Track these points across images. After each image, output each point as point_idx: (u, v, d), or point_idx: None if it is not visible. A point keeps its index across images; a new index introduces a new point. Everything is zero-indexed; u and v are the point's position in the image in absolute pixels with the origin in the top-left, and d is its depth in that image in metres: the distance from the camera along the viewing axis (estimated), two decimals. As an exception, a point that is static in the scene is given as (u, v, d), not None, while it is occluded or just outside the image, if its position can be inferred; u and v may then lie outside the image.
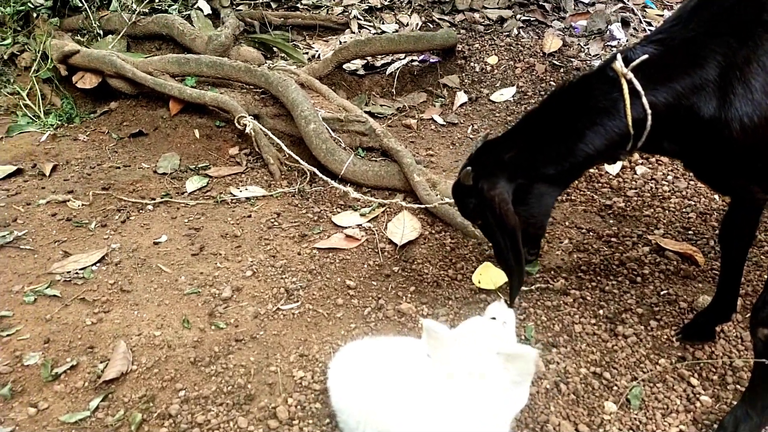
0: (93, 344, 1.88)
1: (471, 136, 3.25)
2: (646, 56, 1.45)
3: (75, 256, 2.30)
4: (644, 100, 1.45)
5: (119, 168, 2.98)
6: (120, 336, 1.91)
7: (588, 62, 3.64)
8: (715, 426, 1.59)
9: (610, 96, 1.48)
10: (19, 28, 3.80)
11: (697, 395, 1.69)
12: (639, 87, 1.44)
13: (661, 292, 2.07)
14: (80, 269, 2.22)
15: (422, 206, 2.55)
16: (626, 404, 1.66)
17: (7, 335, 1.90)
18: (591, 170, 2.83)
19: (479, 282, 2.16)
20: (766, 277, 2.12)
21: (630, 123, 1.48)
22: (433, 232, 2.47)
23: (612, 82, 1.48)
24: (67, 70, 3.50)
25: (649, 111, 1.46)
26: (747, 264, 2.18)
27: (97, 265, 2.26)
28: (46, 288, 2.11)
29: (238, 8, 4.05)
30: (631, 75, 1.45)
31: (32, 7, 3.76)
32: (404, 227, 2.48)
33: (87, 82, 3.45)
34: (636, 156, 2.90)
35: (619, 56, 1.49)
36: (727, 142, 1.38)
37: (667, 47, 1.47)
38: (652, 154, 2.63)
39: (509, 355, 1.46)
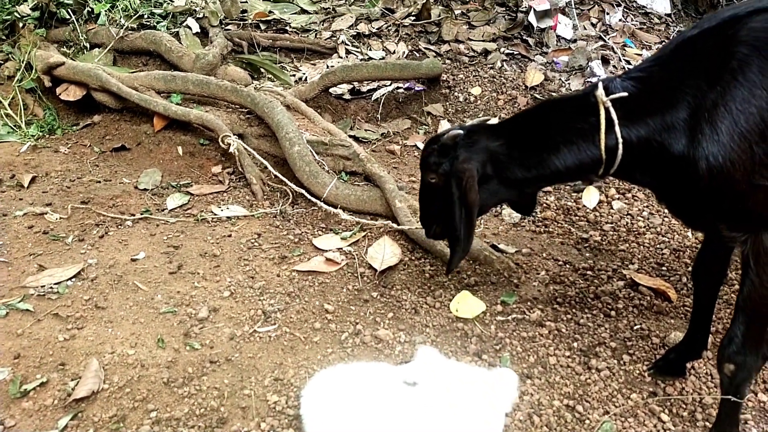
0: (64, 361, 1.85)
1: (453, 164, 3.30)
2: (624, 93, 1.54)
3: (50, 270, 2.26)
4: (617, 130, 1.55)
5: (99, 182, 2.95)
6: (92, 353, 1.88)
7: (569, 97, 3.74)
8: (684, 462, 1.61)
9: (589, 120, 1.59)
10: (3, 37, 3.78)
11: (667, 431, 1.72)
12: (615, 117, 1.54)
13: (635, 327, 2.11)
14: (55, 284, 2.19)
15: (407, 228, 2.58)
16: (599, 438, 1.68)
17: (-25, 349, 1.86)
18: (569, 203, 2.89)
19: (457, 311, 2.17)
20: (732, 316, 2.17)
21: (603, 149, 1.58)
22: (413, 258, 2.49)
23: (592, 107, 1.58)
24: (51, 82, 3.48)
25: (620, 141, 1.55)
26: (718, 302, 2.24)
27: (73, 280, 2.23)
28: (19, 302, 2.08)
29: (227, 28, 4.08)
30: (609, 104, 1.55)
31: (19, 17, 3.75)
32: (384, 252, 2.49)
33: (71, 94, 3.44)
34: (612, 191, 2.97)
35: (600, 85, 1.58)
36: (695, 180, 1.46)
37: (644, 85, 1.56)
38: (626, 182, 2.73)
39: (492, 380, 1.50)
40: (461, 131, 1.83)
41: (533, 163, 1.71)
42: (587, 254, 2.55)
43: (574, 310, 2.19)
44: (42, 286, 2.17)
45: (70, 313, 2.05)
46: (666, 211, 2.83)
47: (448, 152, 1.83)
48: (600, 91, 1.56)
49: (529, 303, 2.22)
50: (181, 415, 1.68)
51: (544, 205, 2.89)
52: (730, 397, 1.50)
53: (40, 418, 1.65)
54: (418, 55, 4.10)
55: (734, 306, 1.54)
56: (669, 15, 4.74)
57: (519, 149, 1.75)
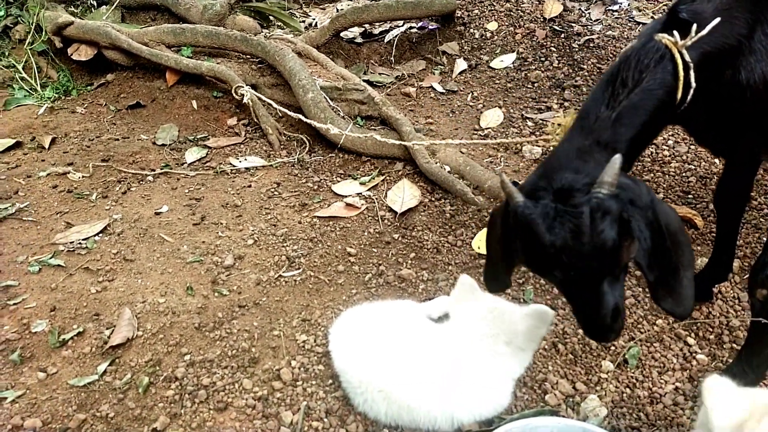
0: (98, 311, 1.91)
1: (470, 103, 3.24)
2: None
3: (77, 227, 2.31)
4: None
5: (118, 140, 2.97)
6: (125, 303, 1.93)
7: (589, 27, 3.60)
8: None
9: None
10: (11, 0, 3.75)
11: (694, 354, 1.72)
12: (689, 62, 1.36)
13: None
14: (83, 239, 2.24)
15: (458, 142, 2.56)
16: (623, 363, 1.69)
17: (14, 304, 1.93)
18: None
19: (479, 247, 2.17)
20: (765, 239, 2.14)
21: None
22: (433, 199, 2.48)
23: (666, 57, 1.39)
24: (62, 42, 3.46)
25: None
26: (746, 226, 2.20)
27: (100, 235, 2.28)
28: (50, 258, 2.13)
29: (233, -24, 3.98)
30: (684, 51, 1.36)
31: (24, -22, 3.70)
32: (404, 195, 2.49)
33: (82, 54, 3.42)
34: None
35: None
36: (739, 99, 1.39)
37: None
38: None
39: (527, 314, 1.51)
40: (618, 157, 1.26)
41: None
42: (610, 186, 2.50)
43: (597, 242, 2.16)
44: (71, 242, 2.22)
45: (100, 266, 2.11)
46: (693, 138, 2.75)
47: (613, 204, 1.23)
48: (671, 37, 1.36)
49: (551, 237, 2.20)
50: (214, 357, 1.73)
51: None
52: (761, 319, 1.48)
53: (80, 364, 1.72)
54: None
55: (767, 229, 1.50)
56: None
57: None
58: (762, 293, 1.48)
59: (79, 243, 2.22)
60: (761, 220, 2.24)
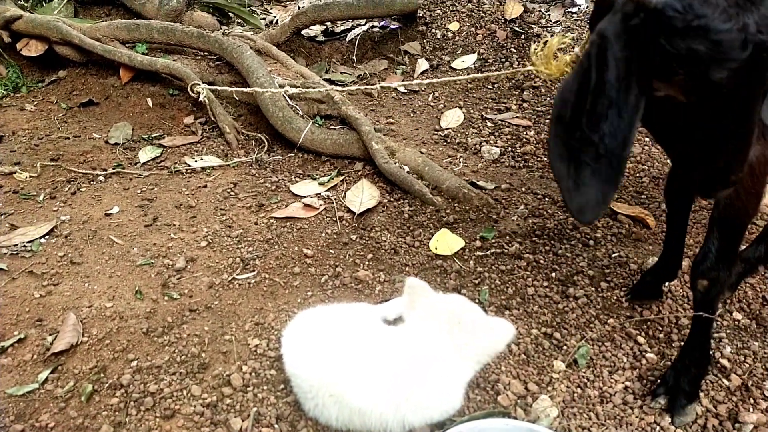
0: (42, 317, 1.84)
1: (431, 103, 3.24)
2: None
3: (22, 229, 2.22)
4: None
5: (69, 138, 2.87)
6: (70, 308, 1.87)
7: (548, 29, 3.64)
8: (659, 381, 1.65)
9: None
10: (-43, -8, 3.59)
11: (644, 353, 1.75)
12: None
13: (613, 255, 2.12)
14: (28, 242, 2.16)
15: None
16: (574, 363, 1.71)
17: (-50, 310, 1.85)
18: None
19: (436, 248, 2.17)
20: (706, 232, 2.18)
21: None
22: (392, 200, 2.46)
23: None
24: (11, 37, 3.33)
25: None
26: (696, 226, 2.25)
27: (46, 237, 2.20)
28: (-8, 262, 2.05)
29: (192, -28, 3.90)
30: None
31: (-30, -31, 3.55)
32: (363, 195, 2.47)
33: (32, 49, 3.30)
34: (593, 122, 2.93)
35: None
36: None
37: None
38: None
39: (486, 327, 1.49)
40: None
41: None
42: (567, 187, 2.53)
43: (552, 242, 2.19)
44: (15, 245, 2.13)
45: (45, 270, 2.03)
46: (647, 139, 2.80)
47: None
48: None
49: (507, 237, 2.22)
50: (162, 362, 1.69)
51: (524, 140, 2.85)
52: (702, 313, 1.52)
53: (20, 372, 1.65)
54: None
55: (708, 221, 1.52)
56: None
57: None
58: (703, 284, 1.51)
59: (24, 246, 2.14)
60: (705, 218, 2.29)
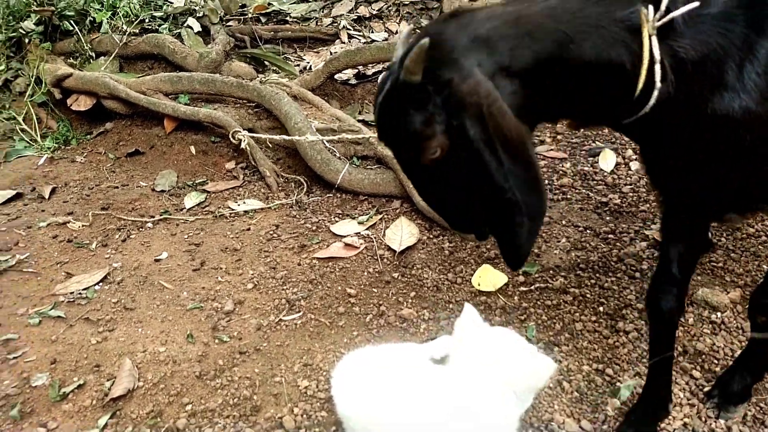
0: (99, 363, 1.89)
1: (465, 140, 3.28)
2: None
3: (77, 277, 2.31)
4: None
5: (117, 187, 3.00)
6: (125, 353, 1.92)
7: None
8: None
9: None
10: (12, 54, 3.83)
11: (701, 387, 1.70)
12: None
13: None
14: (83, 289, 2.24)
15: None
16: (630, 399, 1.67)
17: (14, 358, 1.92)
18: (586, 168, 2.85)
19: (479, 285, 2.17)
20: (766, 267, 2.14)
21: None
22: (431, 236, 2.49)
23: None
24: (62, 93, 3.53)
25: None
26: (745, 254, 2.20)
27: (100, 284, 2.28)
28: (50, 309, 2.13)
29: (228, 24, 4.09)
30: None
31: (24, 33, 3.79)
32: (402, 233, 2.50)
33: (81, 104, 3.48)
34: (629, 152, 2.92)
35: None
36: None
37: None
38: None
39: (530, 363, 1.48)
40: (425, 40, 1.08)
41: None
42: (608, 218, 2.52)
43: (597, 275, 2.17)
44: (71, 293, 2.22)
45: (100, 316, 2.10)
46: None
47: (424, 91, 1.10)
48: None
49: (551, 271, 2.21)
50: (216, 406, 1.71)
51: (561, 172, 2.86)
52: (757, 335, 1.49)
53: (81, 418, 1.70)
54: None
55: None
56: None
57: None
58: (762, 319, 1.48)
59: (79, 293, 2.22)
60: (759, 247, 2.25)
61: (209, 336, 1.99)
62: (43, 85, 3.58)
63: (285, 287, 2.22)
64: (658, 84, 1.14)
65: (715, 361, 1.79)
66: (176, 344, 1.96)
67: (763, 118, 1.15)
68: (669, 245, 1.45)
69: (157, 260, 2.41)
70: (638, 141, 1.44)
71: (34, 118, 3.54)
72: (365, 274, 2.29)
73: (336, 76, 3.76)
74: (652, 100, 1.15)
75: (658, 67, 1.13)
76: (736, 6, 1.13)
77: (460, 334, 1.59)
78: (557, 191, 2.73)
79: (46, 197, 2.92)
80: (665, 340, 1.50)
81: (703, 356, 1.80)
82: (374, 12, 4.25)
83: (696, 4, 1.10)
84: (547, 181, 2.80)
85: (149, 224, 2.68)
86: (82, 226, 2.67)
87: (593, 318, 1.97)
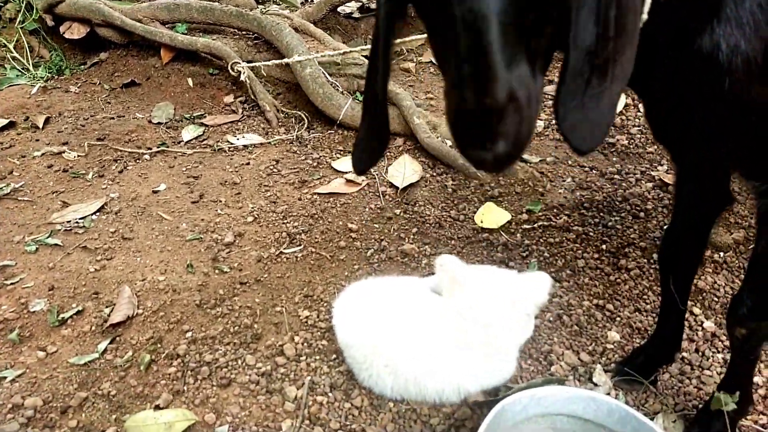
0: (97, 290, 1.88)
1: (470, 78, 3.19)
2: None
3: (74, 206, 2.28)
4: None
5: (113, 119, 2.92)
6: (124, 282, 1.91)
7: None
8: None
9: None
10: (0, -22, 3.67)
11: (700, 323, 1.71)
12: None
13: (664, 227, 2.07)
14: (80, 218, 2.21)
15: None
16: (629, 334, 1.67)
17: (11, 284, 1.91)
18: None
19: (482, 222, 2.15)
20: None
21: None
22: (435, 174, 2.44)
23: None
24: (54, 21, 3.40)
25: None
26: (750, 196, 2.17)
27: (97, 214, 2.25)
28: (47, 237, 2.10)
29: (226, -49, 3.90)
30: None
31: (13, -46, 3.62)
32: (405, 170, 2.45)
33: (75, 32, 3.36)
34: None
35: None
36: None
37: None
38: None
39: (525, 283, 1.48)
40: None
41: None
42: (614, 159, 2.47)
43: (601, 214, 2.15)
44: (68, 222, 2.19)
45: (98, 245, 2.08)
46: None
47: None
48: None
49: (555, 210, 2.18)
50: (216, 333, 1.71)
51: (567, 112, 2.79)
52: (742, 357, 1.31)
53: (80, 343, 1.70)
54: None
55: (747, 265, 1.29)
56: None
57: None
58: (741, 332, 1.28)
59: (76, 222, 2.19)
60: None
61: (209, 266, 1.98)
62: (35, 11, 3.45)
63: (285, 221, 2.19)
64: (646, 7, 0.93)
65: (715, 299, 1.79)
66: (176, 273, 1.95)
67: (753, 60, 0.97)
68: (680, 197, 1.38)
69: (155, 192, 2.38)
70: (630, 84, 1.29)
71: (26, 46, 3.42)
72: (367, 210, 2.26)
73: (339, 9, 3.62)
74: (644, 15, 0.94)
75: None
76: None
77: (446, 277, 1.57)
78: (564, 131, 2.67)
79: (40, 127, 2.85)
80: (679, 292, 1.44)
81: (704, 294, 1.80)
82: (379, -58, 4.06)
83: None
84: (553, 122, 2.74)
85: (146, 156, 2.63)
86: (78, 156, 2.62)
87: (595, 255, 1.96)
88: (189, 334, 1.72)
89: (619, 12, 0.83)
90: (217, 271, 1.96)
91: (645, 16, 0.93)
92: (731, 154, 1.15)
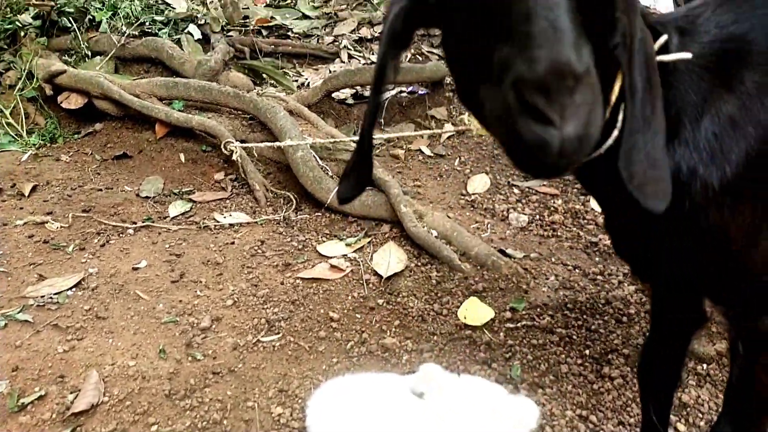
0: (64, 373, 1.81)
1: (458, 168, 3.26)
2: None
3: (50, 280, 2.23)
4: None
5: (101, 190, 2.92)
6: (92, 365, 1.84)
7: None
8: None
9: None
10: (5, 47, 3.76)
11: (685, 441, 1.66)
12: None
13: (647, 333, 2.05)
14: (55, 294, 2.15)
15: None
16: (613, 449, 1.62)
17: (-27, 362, 1.83)
18: (577, 207, 2.83)
19: (465, 318, 2.12)
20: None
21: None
22: (419, 264, 2.44)
23: None
24: (53, 90, 3.46)
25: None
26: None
27: (73, 289, 2.20)
28: (18, 312, 2.04)
29: (228, 34, 4.06)
30: None
31: (20, 26, 3.73)
32: (390, 259, 2.45)
33: (72, 102, 3.41)
34: (621, 194, 2.91)
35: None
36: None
37: None
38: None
39: (513, 408, 1.44)
40: None
41: None
42: (597, 258, 2.49)
43: (585, 316, 2.13)
44: (42, 296, 2.13)
45: (70, 323, 2.02)
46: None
47: None
48: None
49: (538, 309, 2.17)
50: (183, 428, 1.64)
51: (552, 208, 2.83)
52: None
53: (39, 432, 1.61)
54: (420, 58, 4.06)
55: (724, 392, 1.29)
56: None
57: None
58: None
59: (50, 297, 2.13)
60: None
61: (182, 352, 1.91)
62: (35, 80, 3.51)
63: (266, 306, 2.15)
64: (619, 123, 0.95)
65: (700, 415, 1.75)
66: (147, 359, 1.88)
67: (711, 185, 0.99)
68: (654, 312, 1.39)
69: (135, 268, 2.34)
70: (591, 191, 1.26)
71: (22, 112, 3.46)
72: (349, 298, 2.23)
73: (333, 95, 3.74)
74: (610, 140, 0.96)
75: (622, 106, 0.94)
76: (708, 54, 1.02)
77: (430, 386, 1.54)
78: (548, 227, 2.70)
79: (26, 195, 2.84)
80: (660, 407, 1.43)
81: (688, 408, 1.76)
82: (376, 34, 4.25)
83: (687, 55, 0.99)
84: (537, 217, 2.78)
85: (130, 230, 2.60)
86: (61, 227, 2.59)
87: (579, 361, 1.93)
88: (154, 428, 1.64)
89: (650, 65, 0.87)
90: (190, 358, 1.89)
91: (616, 132, 0.96)
92: (694, 278, 1.14)
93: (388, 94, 3.84)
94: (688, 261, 1.09)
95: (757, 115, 0.98)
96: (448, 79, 3.85)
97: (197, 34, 3.94)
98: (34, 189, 2.89)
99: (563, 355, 1.94)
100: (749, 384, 1.15)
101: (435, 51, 4.13)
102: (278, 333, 2.02)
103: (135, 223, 2.66)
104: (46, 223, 2.60)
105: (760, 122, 0.98)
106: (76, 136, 3.44)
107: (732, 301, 1.13)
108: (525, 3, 0.70)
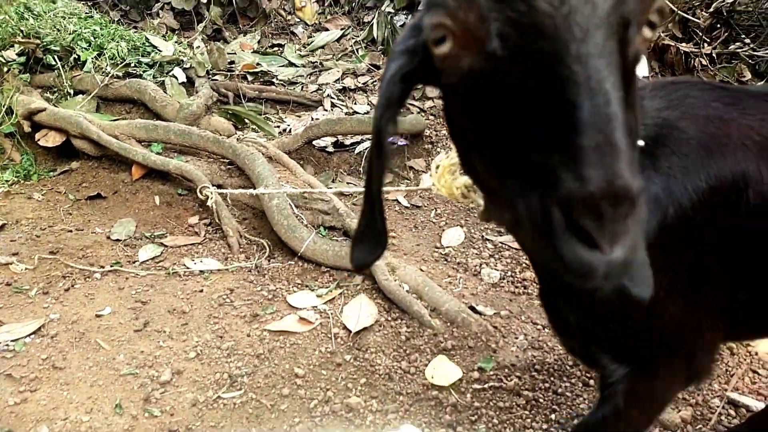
0: (12, 428, 1.74)
1: (433, 220, 3.28)
2: None
3: (8, 326, 2.17)
4: None
5: (71, 231, 2.88)
6: (43, 420, 1.77)
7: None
8: None
9: None
10: (-14, 82, 3.76)
11: None
12: None
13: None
14: (12, 341, 2.09)
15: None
16: None
17: None
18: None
19: (432, 377, 2.10)
20: (716, 387, 2.12)
21: None
22: (389, 319, 2.42)
23: None
24: (31, 127, 3.44)
25: None
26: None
27: (31, 336, 2.14)
28: (-29, 360, 1.97)
29: (214, 78, 4.10)
30: None
31: (4, 61, 3.74)
32: (360, 312, 2.43)
33: (50, 140, 3.40)
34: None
35: None
36: None
37: None
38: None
39: None
40: None
41: None
42: (567, 318, 2.49)
43: (552, 378, 2.12)
44: (-2, 344, 2.07)
45: (25, 373, 1.95)
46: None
47: None
48: None
49: (506, 369, 2.15)
50: (132, 491, 1.57)
51: (524, 264, 2.85)
52: None
53: (-22, 493, 1.54)
54: (401, 110, 4.13)
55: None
56: (646, 77, 4.85)
57: None
58: None
59: (7, 345, 2.07)
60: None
61: (139, 408, 1.86)
62: (14, 115, 3.50)
63: (229, 360, 2.11)
64: None
65: (665, 487, 1.73)
66: (102, 414, 1.82)
67: None
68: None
69: (98, 315, 2.29)
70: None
71: (-2, 148, 3.44)
72: (316, 352, 2.20)
73: (314, 142, 3.77)
74: None
75: None
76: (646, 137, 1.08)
77: None
78: (519, 284, 2.71)
79: (-7, 234, 2.79)
80: None
81: (653, 480, 1.74)
82: (359, 85, 4.34)
83: (641, 143, 1.00)
84: (509, 273, 2.79)
85: (97, 275, 2.56)
86: (26, 269, 2.54)
87: (544, 426, 1.90)
88: (102, 490, 1.57)
89: None
90: (146, 415, 1.83)
91: None
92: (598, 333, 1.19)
93: (368, 144, 3.89)
94: (595, 320, 1.16)
95: (678, 197, 1.07)
96: (428, 132, 3.92)
97: (182, 78, 3.98)
98: (2, 227, 2.84)
99: (529, 419, 1.92)
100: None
101: (416, 103, 4.21)
102: (240, 389, 1.98)
103: (103, 266, 2.62)
104: (11, 264, 2.55)
105: (680, 203, 1.07)
106: (51, 173, 3.41)
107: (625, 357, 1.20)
108: (577, 96, 0.61)
